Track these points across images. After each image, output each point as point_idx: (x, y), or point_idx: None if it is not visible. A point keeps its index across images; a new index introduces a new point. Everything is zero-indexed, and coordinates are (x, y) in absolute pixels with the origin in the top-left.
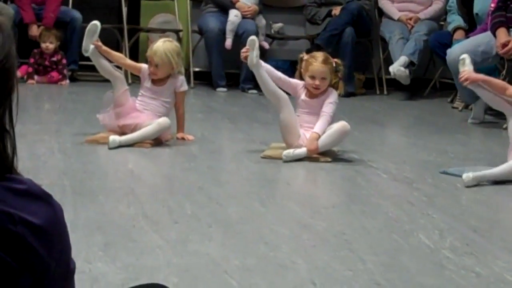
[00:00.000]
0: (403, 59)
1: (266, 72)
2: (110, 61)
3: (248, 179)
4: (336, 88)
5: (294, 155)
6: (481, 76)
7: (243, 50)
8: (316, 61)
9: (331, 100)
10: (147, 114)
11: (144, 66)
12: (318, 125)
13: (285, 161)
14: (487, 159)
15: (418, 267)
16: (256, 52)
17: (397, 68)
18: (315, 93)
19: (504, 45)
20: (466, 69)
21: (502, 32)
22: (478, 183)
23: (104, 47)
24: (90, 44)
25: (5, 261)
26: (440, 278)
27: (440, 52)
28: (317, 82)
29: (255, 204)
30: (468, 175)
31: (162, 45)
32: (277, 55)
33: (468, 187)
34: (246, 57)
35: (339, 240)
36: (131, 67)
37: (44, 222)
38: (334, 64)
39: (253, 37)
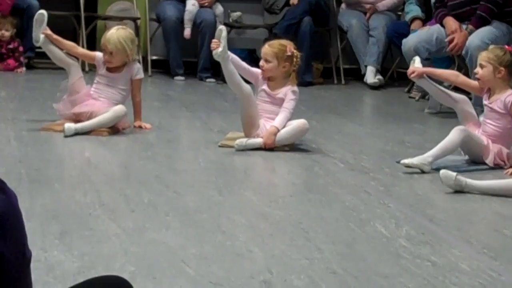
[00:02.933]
0: (371, 70)
1: (232, 62)
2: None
3: (206, 168)
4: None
5: (247, 145)
6: (428, 68)
7: (214, 41)
8: (266, 44)
9: (291, 97)
10: (103, 101)
11: (99, 53)
12: (278, 120)
13: (237, 150)
14: None
15: (374, 256)
16: (223, 43)
17: (374, 80)
18: (264, 75)
19: (450, 42)
20: (416, 66)
21: (450, 20)
22: (421, 165)
23: (55, 36)
24: (40, 33)
25: None
26: (396, 267)
27: (398, 42)
28: (260, 62)
29: (213, 193)
30: (407, 159)
31: (115, 33)
32: (235, 44)
33: (424, 172)
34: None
35: (296, 229)
36: (84, 56)
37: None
38: (289, 53)
39: (221, 27)
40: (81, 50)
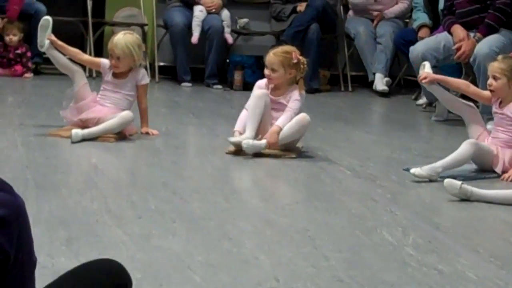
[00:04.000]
0: (379, 77)
1: None
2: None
3: (212, 175)
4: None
5: (254, 144)
6: (440, 76)
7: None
8: (270, 52)
9: (297, 97)
10: (109, 107)
11: (104, 60)
12: (281, 119)
13: (244, 149)
14: None
15: (381, 264)
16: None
17: (384, 87)
18: (270, 84)
19: (458, 50)
20: (426, 71)
21: (457, 28)
22: (430, 176)
23: (60, 42)
24: (45, 39)
25: None
26: (402, 275)
27: (405, 49)
28: (266, 71)
29: (219, 200)
30: (416, 169)
31: (123, 38)
32: (242, 50)
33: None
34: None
35: (302, 237)
36: (89, 62)
37: (7, 212)
38: (295, 60)
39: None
40: (86, 57)
